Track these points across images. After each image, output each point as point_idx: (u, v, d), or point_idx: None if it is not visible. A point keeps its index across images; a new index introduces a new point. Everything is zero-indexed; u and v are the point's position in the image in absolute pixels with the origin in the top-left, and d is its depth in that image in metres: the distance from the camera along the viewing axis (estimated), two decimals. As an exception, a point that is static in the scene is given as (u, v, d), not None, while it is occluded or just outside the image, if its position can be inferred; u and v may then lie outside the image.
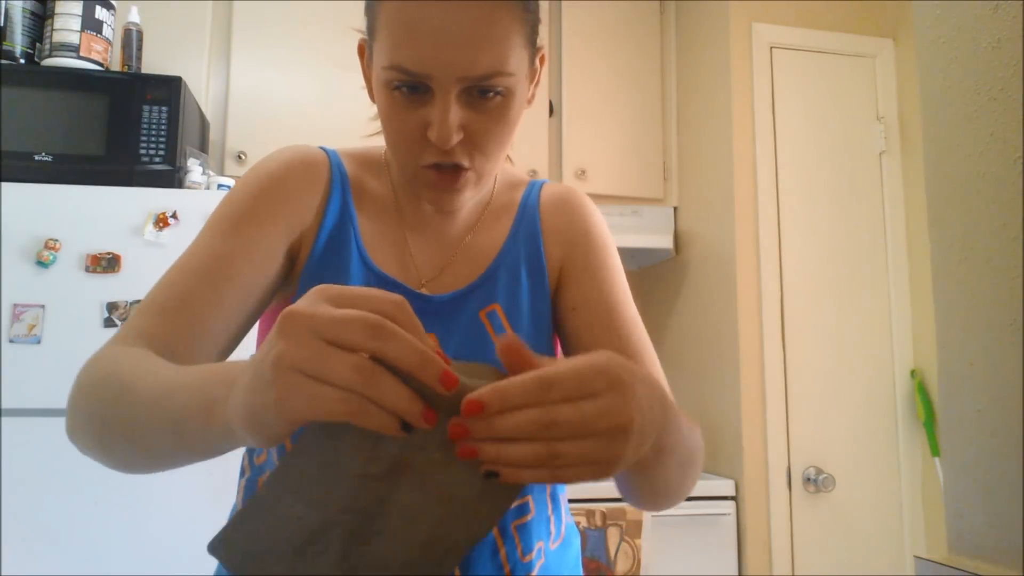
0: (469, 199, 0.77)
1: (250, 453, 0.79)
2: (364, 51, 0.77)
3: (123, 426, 0.59)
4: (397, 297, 0.45)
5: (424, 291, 0.78)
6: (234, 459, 0.80)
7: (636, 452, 0.49)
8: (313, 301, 0.44)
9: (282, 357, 0.43)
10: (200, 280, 0.71)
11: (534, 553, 0.75)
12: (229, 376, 0.51)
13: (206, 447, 0.55)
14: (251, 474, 0.78)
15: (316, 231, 0.78)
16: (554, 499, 0.81)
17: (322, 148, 0.83)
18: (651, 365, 0.78)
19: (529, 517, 0.76)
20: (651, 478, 0.62)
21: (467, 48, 0.66)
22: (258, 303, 0.75)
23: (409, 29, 0.67)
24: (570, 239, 0.83)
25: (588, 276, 0.81)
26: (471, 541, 0.47)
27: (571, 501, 1.92)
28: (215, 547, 0.47)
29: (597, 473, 0.47)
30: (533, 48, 0.75)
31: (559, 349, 0.84)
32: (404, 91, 0.69)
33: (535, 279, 0.81)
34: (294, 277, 0.78)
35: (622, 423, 0.47)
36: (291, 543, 0.46)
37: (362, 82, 0.79)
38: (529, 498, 0.76)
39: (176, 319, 0.69)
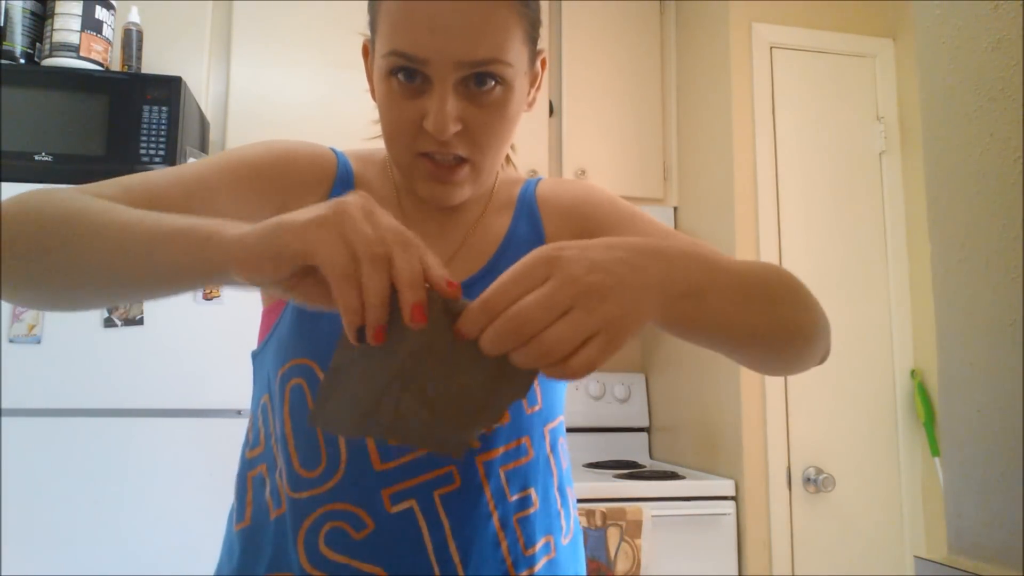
0: (467, 194, 0.77)
1: (243, 447, 0.80)
2: (368, 51, 0.77)
3: (84, 245, 0.57)
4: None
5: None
6: (235, 460, 0.81)
7: (639, 306, 0.51)
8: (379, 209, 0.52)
9: (345, 204, 0.50)
10: (176, 189, 0.70)
11: (538, 547, 0.75)
12: (228, 222, 0.55)
13: (176, 273, 0.55)
14: (241, 468, 0.79)
15: None
16: (562, 493, 0.80)
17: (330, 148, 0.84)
18: (715, 252, 0.76)
19: (532, 510, 0.76)
20: (723, 327, 0.59)
21: (465, 33, 0.67)
22: None
23: (407, 15, 0.67)
24: (571, 210, 0.83)
25: (606, 226, 0.81)
26: (491, 418, 0.54)
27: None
28: (313, 419, 0.55)
29: (613, 340, 0.50)
30: (533, 46, 0.75)
31: None
32: (402, 79, 0.69)
33: None
34: None
35: (584, 286, 0.49)
36: (358, 410, 0.54)
37: (363, 83, 0.79)
38: (532, 490, 0.76)
39: (136, 199, 0.67)
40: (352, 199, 0.52)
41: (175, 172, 0.72)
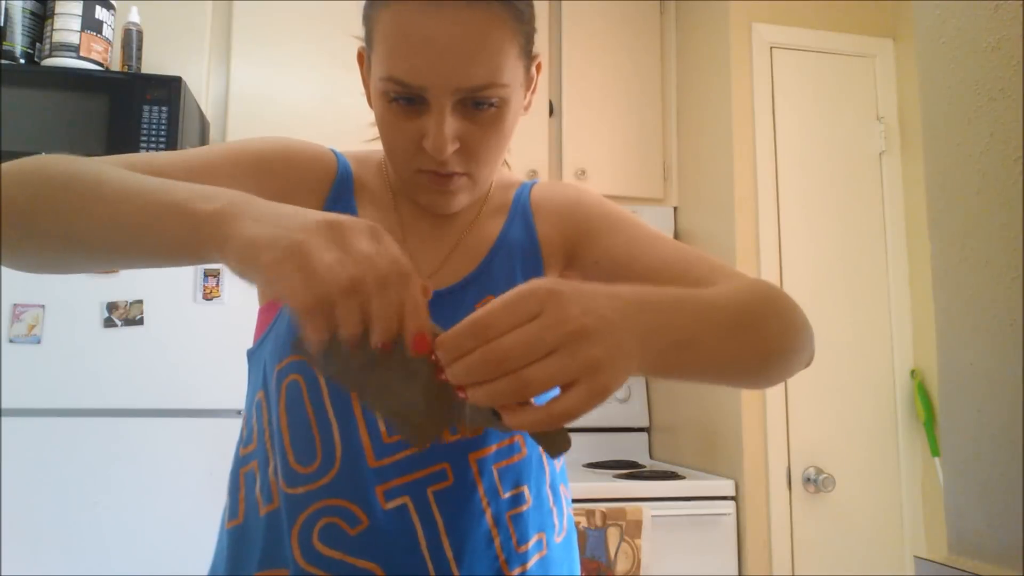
0: (464, 203, 0.79)
1: (237, 444, 0.81)
2: (363, 58, 0.78)
3: (80, 209, 0.57)
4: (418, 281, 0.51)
5: None
6: (234, 459, 0.82)
7: (625, 355, 0.50)
8: (367, 231, 0.51)
9: (300, 244, 0.48)
10: (179, 171, 0.70)
11: (531, 544, 0.76)
12: (236, 195, 0.55)
13: (169, 251, 0.56)
14: (234, 465, 0.80)
15: None
16: (554, 490, 0.81)
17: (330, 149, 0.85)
18: (696, 257, 0.77)
19: (525, 507, 0.76)
20: (708, 371, 0.60)
21: (462, 61, 0.68)
22: None
23: (404, 42, 0.68)
24: (562, 212, 0.84)
25: (595, 230, 0.82)
26: (423, 441, 0.55)
27: (571, 501, 1.91)
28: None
29: (595, 389, 0.48)
30: (529, 58, 0.76)
31: None
32: (401, 103, 0.70)
33: (530, 266, 0.82)
34: None
35: (574, 328, 0.48)
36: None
37: (362, 85, 0.80)
38: (524, 488, 0.77)
39: None
40: (316, 230, 0.50)
41: (180, 156, 0.73)
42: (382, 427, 0.73)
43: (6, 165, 0.60)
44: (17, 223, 0.58)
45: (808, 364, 0.74)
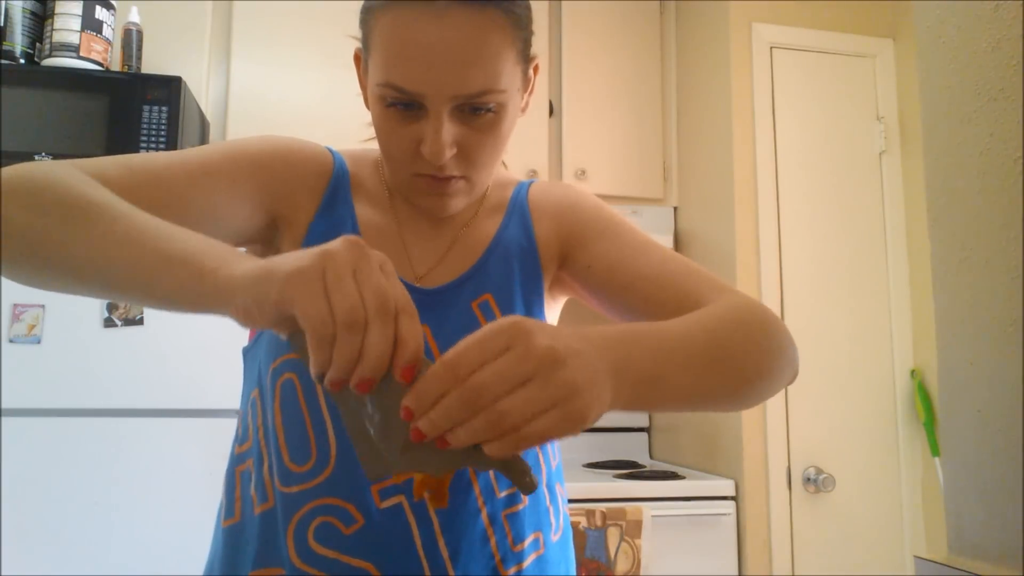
0: (462, 205, 0.79)
1: (233, 443, 0.81)
2: (359, 60, 0.79)
3: (82, 246, 0.57)
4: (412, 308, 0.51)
5: (419, 285, 0.79)
6: (234, 459, 0.82)
7: (595, 378, 0.50)
8: (371, 257, 0.51)
9: (330, 256, 0.49)
10: (179, 174, 0.71)
11: (527, 543, 0.76)
12: (234, 251, 0.56)
13: (171, 301, 0.56)
14: (230, 464, 0.80)
15: (313, 221, 0.79)
16: (550, 490, 0.81)
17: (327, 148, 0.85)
18: (686, 268, 0.77)
19: (521, 507, 0.76)
20: (681, 402, 0.60)
21: (459, 67, 0.68)
22: (215, 229, 0.74)
23: (402, 48, 0.68)
24: (559, 213, 0.84)
25: (589, 234, 0.82)
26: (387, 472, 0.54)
27: (571, 501, 1.92)
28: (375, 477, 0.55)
29: (570, 413, 0.48)
30: (526, 62, 0.76)
31: None
32: (398, 108, 0.71)
33: (527, 265, 0.82)
34: None
35: (544, 355, 0.48)
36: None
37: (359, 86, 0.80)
38: None
39: (138, 180, 0.67)
40: (342, 248, 0.50)
41: (179, 157, 0.73)
42: None
43: (5, 172, 0.59)
44: (17, 243, 0.57)
45: (791, 382, 0.73)
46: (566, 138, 2.56)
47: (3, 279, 1.74)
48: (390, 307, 0.49)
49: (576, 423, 0.49)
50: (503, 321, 0.50)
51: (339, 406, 0.54)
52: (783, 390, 2.20)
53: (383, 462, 0.53)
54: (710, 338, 0.63)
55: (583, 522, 1.96)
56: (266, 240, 0.81)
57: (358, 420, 0.53)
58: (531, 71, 0.78)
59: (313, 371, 0.50)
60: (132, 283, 0.56)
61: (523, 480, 0.52)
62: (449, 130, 0.70)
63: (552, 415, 0.48)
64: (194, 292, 0.54)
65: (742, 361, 0.65)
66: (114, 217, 0.57)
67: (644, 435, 2.68)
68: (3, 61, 1.99)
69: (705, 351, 0.62)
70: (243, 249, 0.81)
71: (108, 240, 0.56)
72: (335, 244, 0.50)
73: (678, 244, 2.61)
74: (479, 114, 0.71)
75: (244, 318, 0.52)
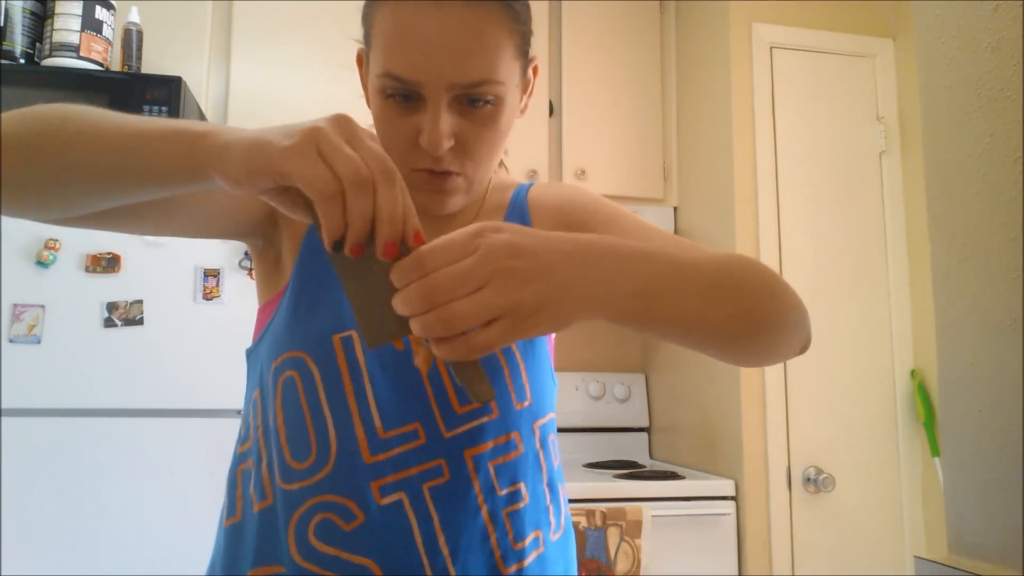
0: (460, 204, 0.79)
1: (236, 443, 0.81)
2: (362, 60, 0.79)
3: (79, 139, 0.59)
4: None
5: None
6: (234, 459, 0.82)
7: (568, 300, 0.51)
8: (361, 129, 0.54)
9: (320, 129, 0.52)
10: None
11: (528, 541, 0.76)
12: (221, 127, 0.58)
13: (164, 170, 0.57)
14: (232, 464, 0.80)
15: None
16: (551, 488, 0.81)
17: None
18: (689, 248, 0.76)
19: (522, 505, 0.76)
20: (678, 323, 0.59)
21: (457, 56, 0.68)
22: (213, 222, 0.76)
23: (401, 37, 0.69)
24: (559, 209, 0.85)
25: (591, 225, 0.82)
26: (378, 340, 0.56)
27: (571, 501, 1.91)
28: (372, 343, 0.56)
29: (516, 326, 0.50)
30: (525, 59, 0.77)
31: (552, 336, 0.85)
32: (397, 99, 0.71)
33: None
34: (285, 269, 0.79)
35: (503, 267, 0.49)
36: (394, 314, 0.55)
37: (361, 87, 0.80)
38: (521, 485, 0.77)
39: None
40: (331, 122, 0.53)
41: None
42: (377, 423, 0.73)
43: (4, 114, 0.62)
44: (16, 158, 0.59)
45: (803, 350, 0.71)
46: (566, 138, 2.56)
47: (3, 280, 1.75)
48: (392, 168, 0.52)
49: (519, 335, 0.50)
50: (483, 224, 0.52)
51: (343, 277, 0.55)
52: (782, 390, 2.20)
53: (386, 328, 0.55)
54: (717, 268, 0.63)
55: (583, 522, 1.96)
56: (265, 235, 0.81)
57: (363, 287, 0.54)
58: (530, 71, 0.79)
59: (326, 239, 0.51)
60: (127, 162, 0.58)
61: (472, 387, 0.53)
62: (447, 120, 0.70)
63: (501, 325, 0.50)
64: (188, 158, 0.55)
65: (748, 297, 0.64)
66: (103, 115, 0.60)
67: (644, 435, 2.68)
68: (3, 61, 1.99)
69: (709, 276, 0.61)
70: (244, 248, 0.81)
71: (101, 130, 0.59)
72: (323, 119, 0.53)
73: (678, 244, 2.60)
74: (477, 106, 0.71)
75: (235, 185, 0.54)
